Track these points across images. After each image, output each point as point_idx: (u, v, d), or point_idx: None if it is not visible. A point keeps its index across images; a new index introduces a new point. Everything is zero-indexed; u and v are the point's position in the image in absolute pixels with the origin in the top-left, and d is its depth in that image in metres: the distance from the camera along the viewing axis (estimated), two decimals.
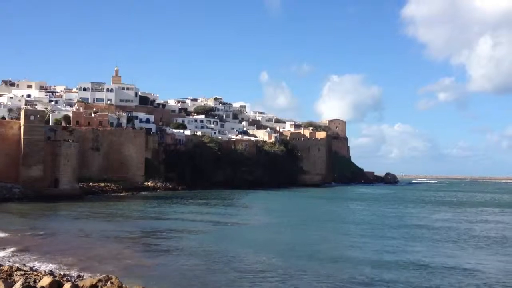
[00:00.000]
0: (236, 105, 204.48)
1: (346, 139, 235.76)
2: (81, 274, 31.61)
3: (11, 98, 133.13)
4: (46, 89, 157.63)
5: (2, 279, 25.89)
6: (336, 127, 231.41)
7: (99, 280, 26.06)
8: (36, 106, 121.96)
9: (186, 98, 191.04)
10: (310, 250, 43.13)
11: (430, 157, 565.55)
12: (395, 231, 56.70)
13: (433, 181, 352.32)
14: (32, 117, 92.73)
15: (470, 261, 39.39)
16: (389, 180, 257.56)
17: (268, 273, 33.69)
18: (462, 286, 31.19)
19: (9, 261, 34.78)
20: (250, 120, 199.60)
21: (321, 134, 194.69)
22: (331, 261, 38.08)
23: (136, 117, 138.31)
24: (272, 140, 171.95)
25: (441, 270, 35.46)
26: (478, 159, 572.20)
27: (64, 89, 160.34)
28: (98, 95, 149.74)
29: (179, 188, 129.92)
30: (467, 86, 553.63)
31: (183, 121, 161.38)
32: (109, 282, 25.90)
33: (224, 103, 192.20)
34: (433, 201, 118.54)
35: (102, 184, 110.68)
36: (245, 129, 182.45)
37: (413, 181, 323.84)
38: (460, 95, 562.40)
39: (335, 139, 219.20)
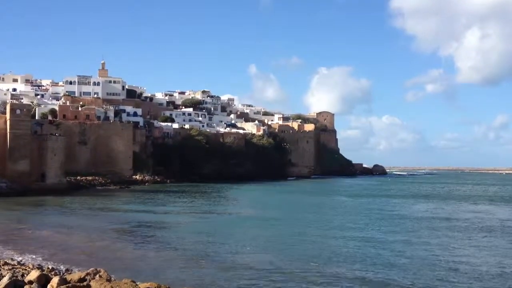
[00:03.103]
0: (224, 98, 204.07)
1: (334, 132, 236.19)
2: (70, 268, 31.39)
3: None
4: (32, 83, 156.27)
5: None
6: (325, 120, 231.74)
7: (88, 274, 25.85)
8: (22, 100, 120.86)
9: (173, 91, 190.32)
10: (297, 244, 43.26)
11: (418, 149, 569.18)
12: (379, 223, 57.01)
13: (423, 172, 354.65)
14: (18, 111, 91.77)
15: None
16: (378, 172, 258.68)
17: (258, 265, 33.70)
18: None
19: None
20: (239, 113, 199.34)
21: (309, 127, 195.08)
22: (313, 254, 38.19)
23: (124, 111, 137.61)
24: (261, 132, 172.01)
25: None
26: (466, 150, 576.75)
27: (50, 82, 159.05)
28: (85, 88, 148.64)
29: (168, 181, 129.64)
30: (455, 78, 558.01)
31: (171, 114, 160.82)
32: (97, 276, 25.70)
33: (212, 96, 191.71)
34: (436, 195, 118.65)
35: (90, 178, 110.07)
36: (233, 122, 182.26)
37: (402, 173, 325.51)
38: (448, 87, 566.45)
39: (324, 132, 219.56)
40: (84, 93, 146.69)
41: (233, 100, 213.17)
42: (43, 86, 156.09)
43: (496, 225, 55.87)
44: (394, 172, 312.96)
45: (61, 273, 29.12)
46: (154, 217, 60.37)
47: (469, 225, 55.39)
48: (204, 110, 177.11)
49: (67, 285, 23.67)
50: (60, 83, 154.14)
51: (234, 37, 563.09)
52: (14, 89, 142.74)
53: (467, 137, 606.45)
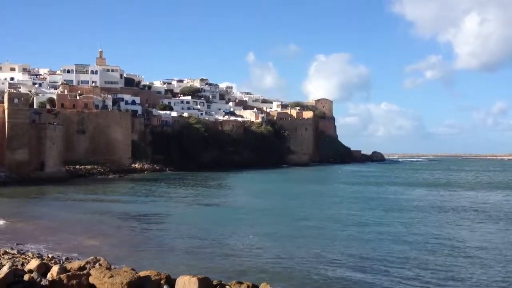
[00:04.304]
0: (222, 85, 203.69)
1: (333, 119, 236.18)
2: (69, 256, 31.49)
3: None
4: (30, 71, 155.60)
5: None
6: (323, 107, 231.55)
7: (88, 262, 25.89)
8: (20, 89, 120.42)
9: (172, 79, 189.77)
10: (299, 232, 43.45)
11: (417, 135, 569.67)
12: (379, 212, 57.19)
13: (423, 159, 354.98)
14: (16, 100, 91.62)
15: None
16: (376, 158, 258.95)
17: (257, 252, 33.81)
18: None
19: None
20: (237, 100, 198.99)
21: (308, 114, 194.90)
22: (315, 242, 38.34)
23: (122, 99, 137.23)
24: (259, 120, 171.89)
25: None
26: (464, 136, 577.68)
27: (48, 71, 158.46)
28: (83, 77, 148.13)
29: (167, 169, 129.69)
30: (454, 64, 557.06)
31: (169, 103, 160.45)
32: (97, 264, 25.75)
33: (210, 84, 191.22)
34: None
35: (89, 167, 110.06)
36: (232, 109, 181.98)
37: (401, 159, 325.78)
38: (447, 73, 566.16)
39: (322, 119, 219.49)
40: (82, 82, 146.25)
41: (231, 88, 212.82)
42: (41, 75, 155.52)
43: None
44: (391, 158, 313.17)
45: (61, 261, 29.20)
46: (153, 206, 60.47)
47: (472, 213, 55.64)
48: (202, 98, 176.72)
49: (67, 273, 23.70)
50: (58, 72, 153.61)
51: (232, 25, 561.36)
52: (12, 78, 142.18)
53: (465, 123, 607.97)
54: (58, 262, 28.80)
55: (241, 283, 23.42)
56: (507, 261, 31.65)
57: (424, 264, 30.57)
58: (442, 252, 33.99)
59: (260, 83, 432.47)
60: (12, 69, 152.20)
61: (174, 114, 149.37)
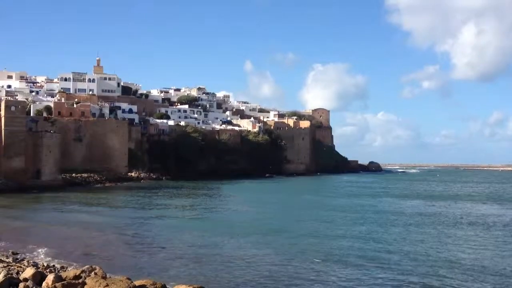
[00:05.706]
0: (219, 94, 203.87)
1: (330, 128, 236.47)
2: (65, 265, 31.35)
3: None
4: (27, 79, 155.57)
5: None
6: (320, 116, 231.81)
7: (83, 271, 25.82)
8: (16, 97, 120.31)
9: (169, 88, 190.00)
10: (298, 241, 43.35)
11: (413, 145, 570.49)
12: (384, 229, 57.11)
13: (419, 170, 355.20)
14: (13, 108, 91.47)
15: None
16: (373, 169, 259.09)
17: (254, 263, 33.73)
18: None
19: None
20: (234, 109, 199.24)
21: (305, 124, 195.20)
22: (315, 251, 38.31)
23: (119, 108, 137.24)
24: (256, 129, 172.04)
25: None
26: (461, 147, 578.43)
27: (45, 79, 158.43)
28: (80, 85, 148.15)
29: (163, 178, 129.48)
30: (451, 74, 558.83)
31: (166, 111, 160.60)
32: (93, 273, 25.66)
33: (207, 93, 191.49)
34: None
35: (85, 175, 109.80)
36: (229, 118, 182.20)
37: (399, 170, 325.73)
38: (444, 83, 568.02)
39: (319, 128, 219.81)
40: (79, 90, 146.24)
41: (228, 97, 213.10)
42: (38, 82, 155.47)
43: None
44: (388, 168, 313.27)
45: (57, 270, 29.08)
46: (149, 215, 60.27)
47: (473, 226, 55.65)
48: (199, 107, 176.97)
49: (62, 282, 23.65)
50: (55, 80, 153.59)
51: (230, 33, 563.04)
52: (9, 86, 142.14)
53: (462, 133, 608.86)
54: (53, 270, 28.69)
55: None
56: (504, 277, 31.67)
57: (421, 280, 30.48)
58: (437, 266, 34.01)
59: (257, 92, 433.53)
60: (9, 77, 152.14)
61: (171, 122, 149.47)
